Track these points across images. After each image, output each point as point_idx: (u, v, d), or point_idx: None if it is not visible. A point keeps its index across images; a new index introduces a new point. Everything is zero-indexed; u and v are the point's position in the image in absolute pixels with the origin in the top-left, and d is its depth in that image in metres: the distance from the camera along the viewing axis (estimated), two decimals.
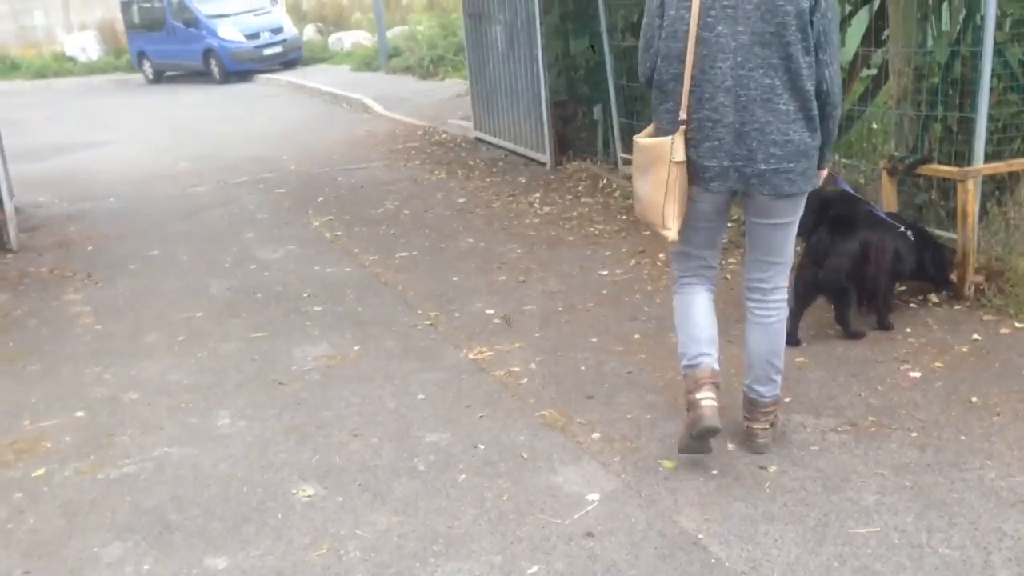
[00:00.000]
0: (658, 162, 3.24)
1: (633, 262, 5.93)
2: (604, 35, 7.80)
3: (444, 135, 11.26)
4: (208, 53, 20.92)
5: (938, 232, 5.01)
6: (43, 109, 18.07)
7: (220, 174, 10.00)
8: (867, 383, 4.03)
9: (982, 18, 4.56)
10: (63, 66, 26.08)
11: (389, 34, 19.71)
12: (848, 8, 6.53)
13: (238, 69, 20.56)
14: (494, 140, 9.98)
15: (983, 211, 4.93)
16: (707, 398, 3.35)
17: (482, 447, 3.76)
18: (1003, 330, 4.39)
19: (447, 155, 10.02)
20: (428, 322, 5.18)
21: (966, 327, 4.47)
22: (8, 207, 7.22)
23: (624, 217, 6.93)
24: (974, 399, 3.78)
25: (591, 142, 8.66)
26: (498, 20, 9.29)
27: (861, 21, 6.53)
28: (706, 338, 3.47)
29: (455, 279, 5.89)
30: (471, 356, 4.67)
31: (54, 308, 5.83)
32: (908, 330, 4.52)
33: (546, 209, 7.38)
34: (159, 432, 4.08)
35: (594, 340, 4.77)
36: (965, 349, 4.25)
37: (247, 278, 6.18)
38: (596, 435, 3.79)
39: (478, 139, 10.42)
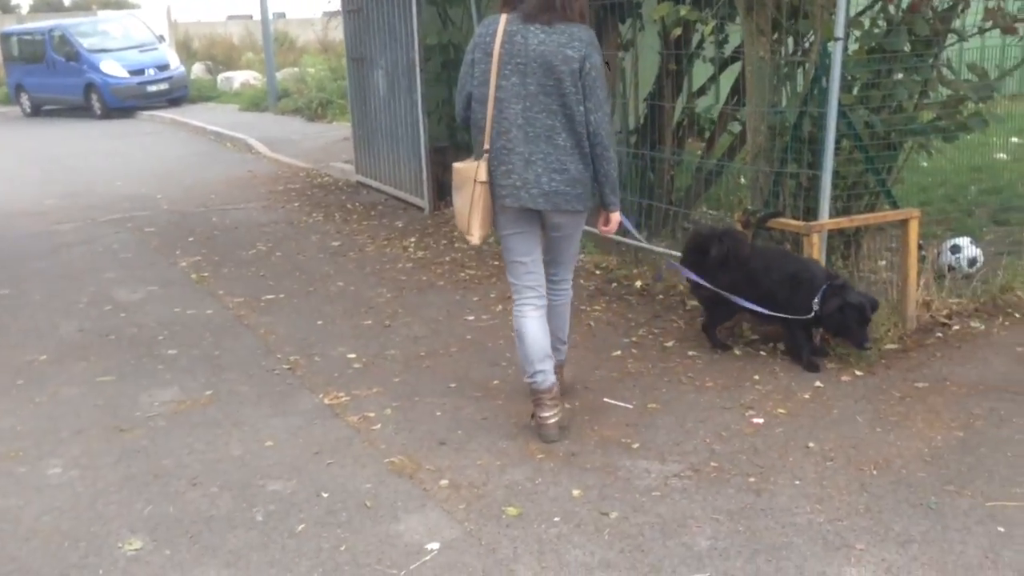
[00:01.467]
0: (467, 182, 4.00)
1: (500, 307, 5.94)
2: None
3: (326, 178, 11.17)
4: (89, 88, 20.38)
5: None
6: None
7: (89, 212, 9.68)
8: (713, 429, 4.09)
9: (828, 81, 4.76)
10: None
11: (279, 75, 19.58)
12: (713, 69, 6.76)
13: (120, 105, 20.08)
14: (375, 184, 9.94)
15: (829, 265, 5.10)
16: (547, 416, 4.08)
17: (326, 495, 3.66)
18: (843, 377, 4.53)
19: (327, 198, 9.93)
20: (287, 366, 5.07)
21: (810, 375, 4.60)
22: None
23: (496, 263, 6.94)
24: (811, 444, 3.88)
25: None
26: (380, 65, 9.30)
27: (728, 79, 6.77)
28: (539, 356, 4.08)
29: (320, 323, 5.79)
30: (327, 401, 4.59)
31: None
32: (756, 377, 4.62)
33: (420, 253, 7.36)
34: None
35: (453, 386, 4.73)
36: (807, 396, 4.37)
37: (101, 319, 5.96)
38: (444, 482, 3.74)
39: (359, 183, 10.36)
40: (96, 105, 20.29)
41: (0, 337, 5.70)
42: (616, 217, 4.14)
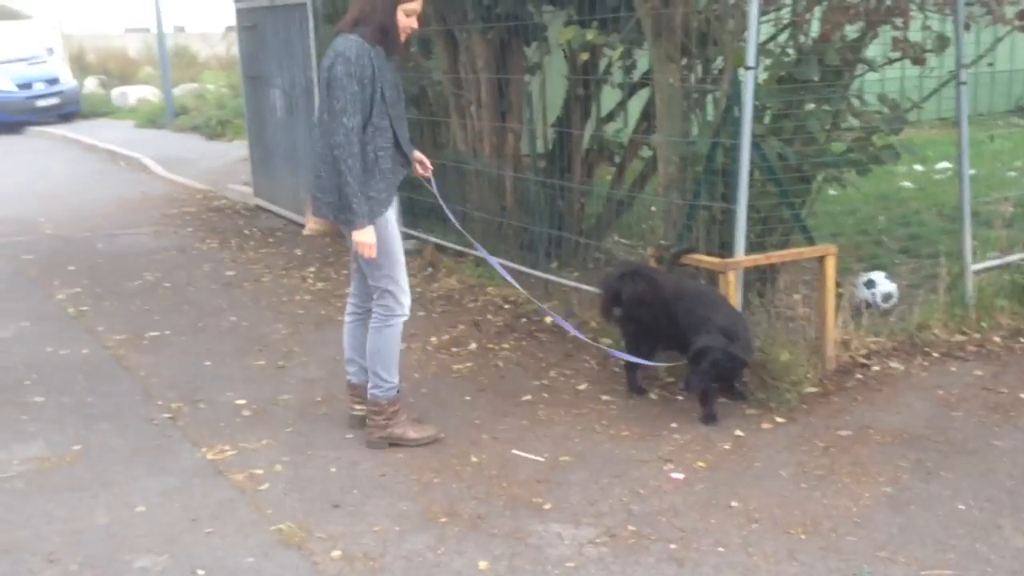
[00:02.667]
0: None
1: (402, 346, 5.58)
2: None
3: (224, 200, 10.66)
4: None
5: None
6: None
7: None
8: (630, 486, 3.82)
9: (740, 111, 4.57)
10: None
11: (178, 91, 18.90)
12: (622, 93, 6.56)
13: (7, 120, 19.07)
14: (273, 208, 9.50)
15: (746, 301, 4.91)
16: (357, 410, 4.44)
17: (202, 573, 3.26)
18: (764, 425, 4.32)
19: (223, 222, 9.44)
20: (167, 415, 4.64)
21: (730, 422, 4.37)
22: None
23: None
24: (734, 503, 3.64)
25: None
26: (277, 84, 8.88)
27: (637, 105, 6.59)
28: (346, 356, 4.45)
29: (208, 363, 5.36)
30: (210, 456, 4.17)
31: None
32: (674, 425, 4.38)
33: (319, 285, 6.96)
34: None
35: (349, 436, 4.38)
36: (728, 447, 4.14)
37: None
38: (336, 553, 3.38)
39: (258, 206, 9.89)
40: None
41: None
42: (356, 236, 3.99)
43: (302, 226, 8.79)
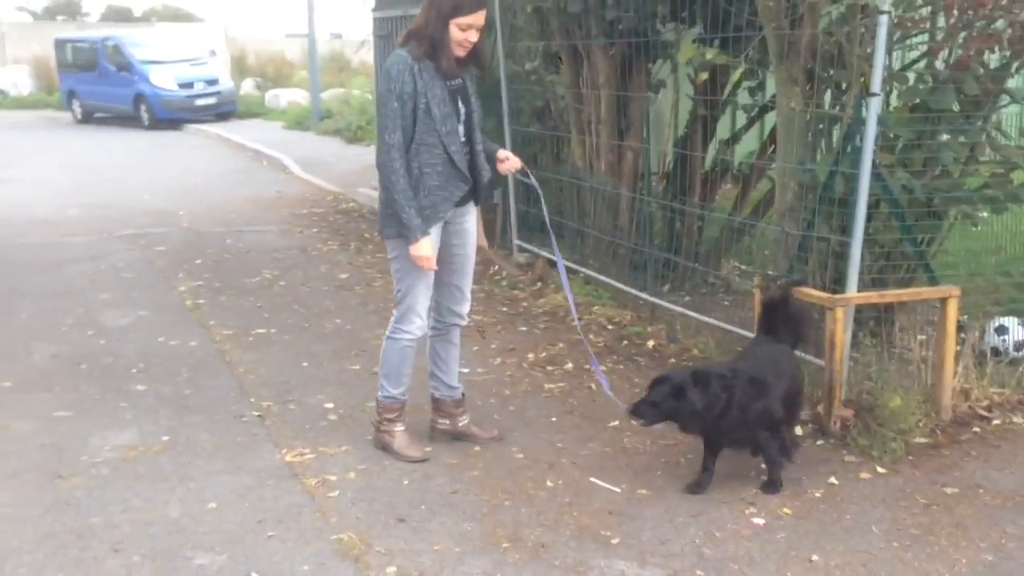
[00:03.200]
0: None
1: (499, 360, 5.53)
2: (505, 119, 7.52)
3: (352, 203, 10.87)
4: (139, 98, 20.47)
5: (808, 358, 4.69)
6: None
7: (106, 224, 9.48)
8: (706, 527, 3.63)
9: (862, 139, 4.30)
10: None
11: (325, 95, 19.48)
12: (746, 117, 6.33)
13: (168, 117, 20.11)
14: None
15: (856, 340, 4.62)
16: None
17: None
18: (863, 475, 4.03)
19: (347, 225, 9.62)
20: (257, 413, 4.70)
21: (824, 468, 4.10)
22: None
23: (505, 309, 6.55)
24: (815, 557, 3.39)
25: (490, 226, 8.31)
26: None
27: (756, 131, 6.34)
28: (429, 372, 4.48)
29: (305, 364, 5.42)
30: (288, 458, 4.20)
31: None
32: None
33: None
34: None
35: (428, 449, 4.32)
36: (818, 494, 3.88)
37: (79, 345, 5.65)
38: (391, 569, 3.32)
39: None
40: (144, 115, 20.37)
41: None
42: (412, 250, 3.97)
43: None
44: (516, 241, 7.58)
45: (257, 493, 3.86)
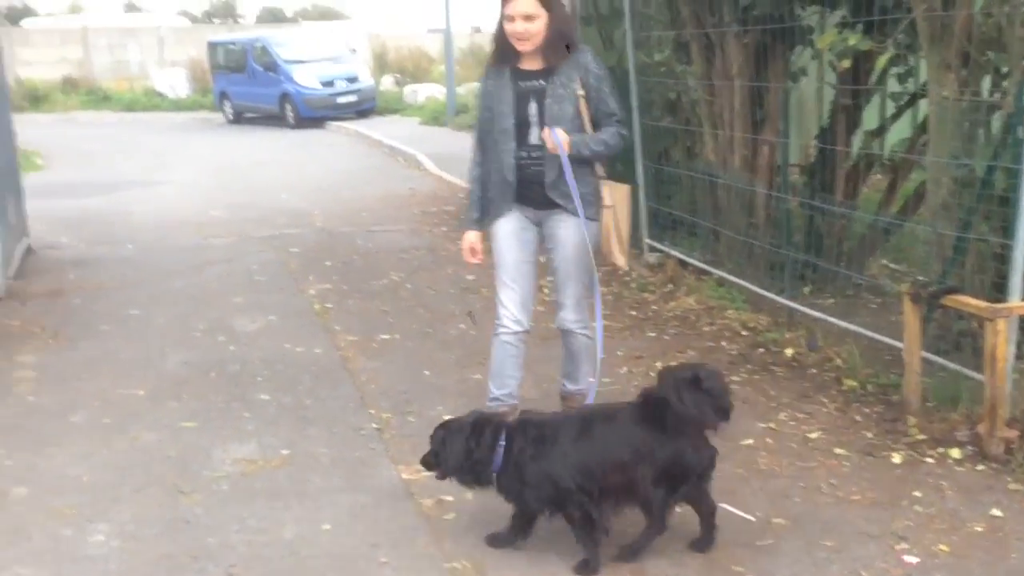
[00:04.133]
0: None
1: (624, 369, 5.30)
2: (634, 111, 7.24)
3: None
4: (284, 97, 21.06)
5: (968, 372, 4.28)
6: (118, 143, 18.36)
7: (245, 226, 9.71)
8: (850, 564, 3.31)
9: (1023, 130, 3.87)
10: (151, 101, 26.75)
11: (462, 89, 19.54)
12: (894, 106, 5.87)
13: (311, 115, 20.61)
14: None
15: (1020, 353, 4.17)
16: None
17: None
18: None
19: None
20: (375, 425, 4.63)
21: (987, 496, 3.71)
22: None
23: (633, 313, 6.31)
24: None
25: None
26: None
27: (908, 119, 5.87)
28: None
29: (427, 373, 5.33)
30: (405, 475, 4.09)
31: (1, 370, 5.46)
32: (917, 494, 3.78)
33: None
34: (24, 544, 3.59)
35: None
36: (980, 528, 3.50)
37: (210, 351, 5.73)
38: None
39: None
40: (289, 114, 20.95)
41: (110, 365, 5.55)
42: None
43: None
44: (647, 240, 7.31)
45: (372, 514, 3.77)
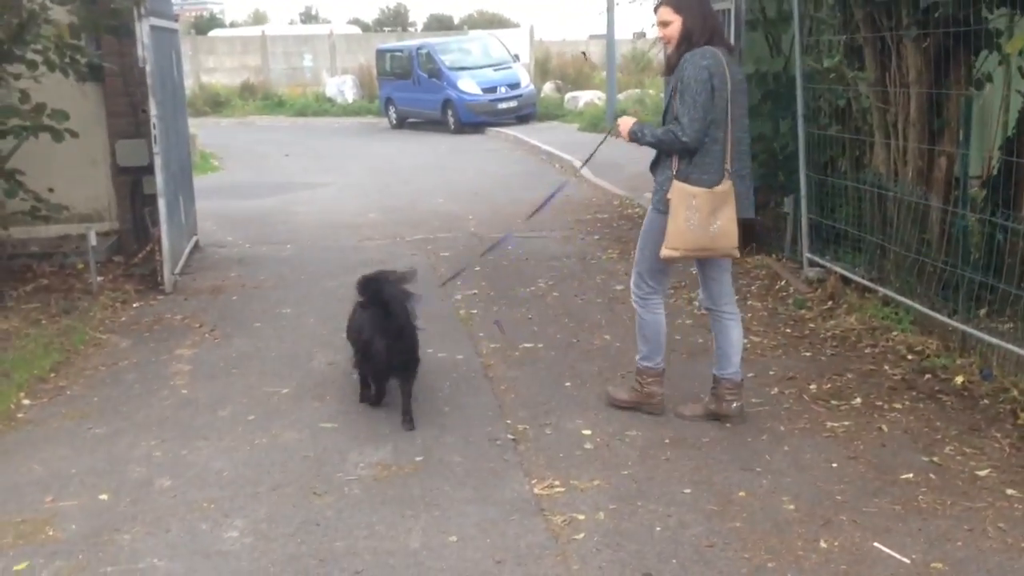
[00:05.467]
0: (727, 201, 4.34)
1: (776, 390, 5.02)
2: (799, 119, 6.90)
3: (638, 208, 10.59)
4: (446, 103, 21.40)
5: None
6: (288, 146, 19.09)
7: (400, 229, 9.86)
8: None
9: None
10: (322, 106, 27.76)
11: (621, 96, 19.38)
12: None
13: (472, 121, 20.86)
14: None
15: None
16: (662, 392, 4.77)
17: None
18: None
19: (630, 232, 9.32)
20: (511, 436, 4.54)
21: None
22: (166, 248, 7.25)
23: (788, 331, 5.99)
24: None
25: (780, 236, 7.71)
26: None
27: None
28: (665, 347, 4.77)
29: (567, 385, 5.21)
30: (537, 490, 3.98)
31: (159, 363, 5.68)
32: None
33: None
34: (163, 535, 3.68)
35: (688, 491, 3.94)
36: None
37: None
38: None
39: None
40: (451, 120, 21.28)
41: (260, 361, 5.69)
42: None
43: None
44: (806, 254, 6.95)
45: (499, 528, 3.67)
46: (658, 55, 22.66)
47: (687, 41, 4.30)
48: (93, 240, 7.11)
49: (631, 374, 5.31)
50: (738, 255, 4.52)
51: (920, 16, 5.74)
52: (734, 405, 4.60)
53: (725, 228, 4.34)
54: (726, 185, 4.30)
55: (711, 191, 4.28)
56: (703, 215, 4.29)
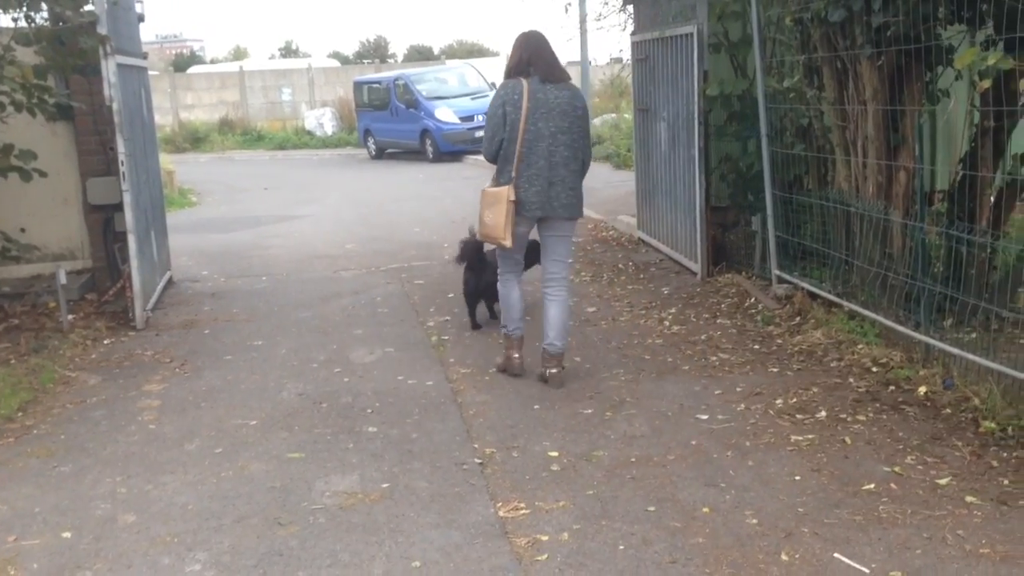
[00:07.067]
0: (501, 201, 5.39)
1: (742, 407, 5.05)
2: (763, 139, 6.99)
3: (611, 232, 10.67)
4: (424, 133, 21.54)
5: None
6: (267, 179, 19.15)
7: (376, 259, 9.89)
8: None
9: None
10: (301, 139, 27.90)
11: (597, 121, 19.49)
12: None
13: (450, 149, 20.98)
14: (653, 242, 9.28)
15: None
16: (518, 357, 5.75)
17: None
18: None
19: (603, 255, 9.41)
20: (478, 460, 4.55)
21: None
22: (136, 284, 7.26)
23: (757, 347, 6.04)
24: None
25: (749, 254, 7.78)
26: (662, 117, 8.65)
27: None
28: (519, 316, 5.74)
29: (536, 408, 5.23)
30: (502, 513, 3.99)
31: (128, 399, 5.67)
32: None
33: (674, 328, 6.58)
34: (123, 571, 3.66)
35: (651, 509, 3.96)
36: None
37: (325, 383, 5.80)
38: None
39: (640, 239, 9.74)
40: (429, 149, 21.40)
41: (229, 395, 5.69)
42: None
43: (677, 262, 8.47)
44: (775, 271, 7.00)
45: (462, 553, 3.68)
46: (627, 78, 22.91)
47: (505, 75, 5.46)
48: (63, 279, 7.10)
49: (599, 395, 5.36)
50: (505, 244, 5.43)
51: (874, 35, 5.84)
52: (548, 372, 5.54)
53: (493, 221, 5.41)
54: (505, 189, 5.33)
55: (485, 191, 5.48)
56: (481, 209, 5.49)
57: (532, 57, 5.37)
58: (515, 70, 5.38)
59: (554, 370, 5.52)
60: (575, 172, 5.42)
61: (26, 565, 3.73)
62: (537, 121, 5.26)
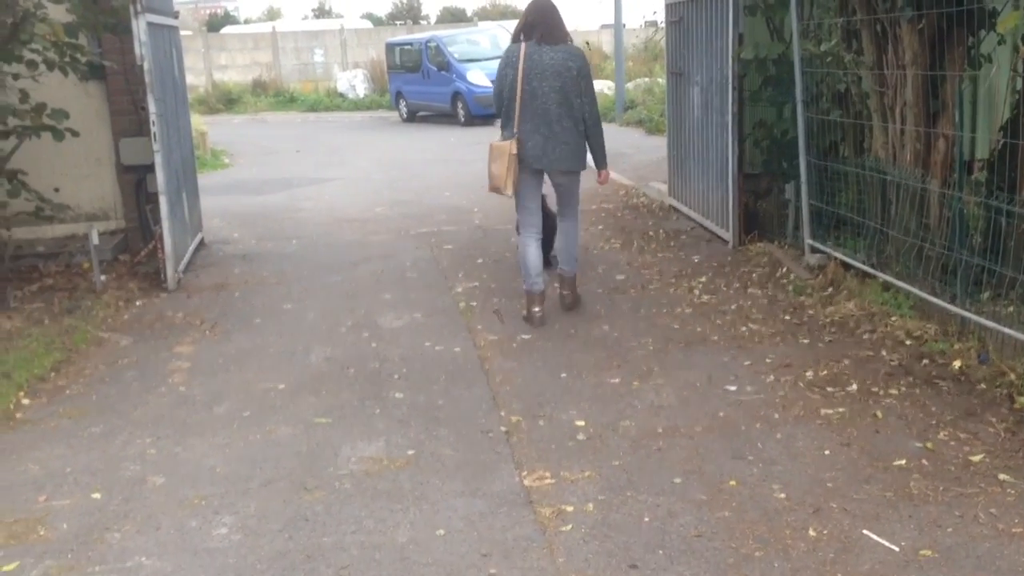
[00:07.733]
0: (504, 154, 5.86)
1: (771, 378, 4.99)
2: (799, 105, 6.85)
3: (643, 198, 10.56)
4: (456, 96, 21.37)
5: None
6: (299, 142, 19.12)
7: (405, 222, 9.86)
8: None
9: None
10: (333, 101, 27.81)
11: (631, 85, 19.31)
12: None
13: (481, 113, 20.78)
14: (684, 209, 9.18)
15: None
16: (537, 311, 6.08)
17: None
18: None
19: (634, 222, 9.32)
20: (504, 428, 4.53)
21: None
22: (168, 246, 7.29)
23: (788, 318, 5.95)
24: None
25: (782, 223, 7.66)
26: (695, 81, 8.51)
27: None
28: (537, 271, 6.07)
29: (563, 376, 5.20)
30: (527, 482, 3.98)
31: (158, 360, 5.71)
32: None
33: (704, 297, 6.51)
34: (151, 533, 3.70)
35: (678, 481, 3.93)
36: None
37: (352, 348, 5.80)
38: None
39: (671, 207, 9.64)
40: (460, 112, 21.25)
41: (257, 358, 5.71)
42: (606, 174, 6.38)
43: (708, 230, 8.38)
44: (808, 241, 6.90)
45: (487, 521, 3.67)
46: (661, 42, 22.60)
47: (512, 39, 5.98)
48: (95, 239, 7.14)
49: (627, 364, 5.32)
50: (507, 194, 5.91)
51: None
52: (561, 293, 6.28)
53: (497, 172, 5.87)
54: (508, 143, 5.82)
55: (492, 144, 5.96)
56: (488, 161, 5.96)
57: (535, 21, 5.85)
58: (518, 34, 5.90)
59: (566, 292, 6.27)
60: (569, 129, 5.83)
61: (56, 525, 3.78)
62: (532, 81, 5.74)
